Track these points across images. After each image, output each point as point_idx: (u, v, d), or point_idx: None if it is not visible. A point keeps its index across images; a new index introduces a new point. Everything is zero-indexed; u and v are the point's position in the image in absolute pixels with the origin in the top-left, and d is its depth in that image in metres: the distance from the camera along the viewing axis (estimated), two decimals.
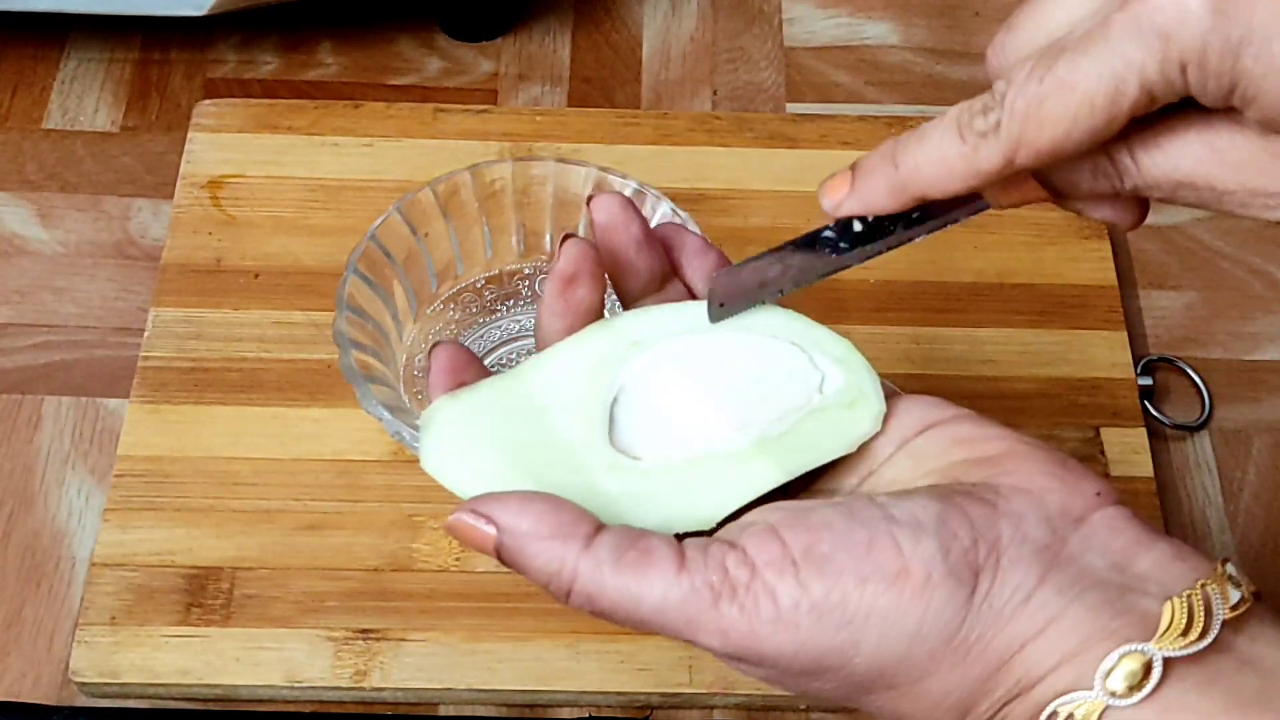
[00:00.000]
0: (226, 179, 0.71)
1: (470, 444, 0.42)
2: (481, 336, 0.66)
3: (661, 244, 0.46)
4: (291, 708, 0.59)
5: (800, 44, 0.81)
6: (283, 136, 0.73)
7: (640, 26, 0.81)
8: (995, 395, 0.66)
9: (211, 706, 0.59)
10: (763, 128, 0.74)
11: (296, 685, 0.58)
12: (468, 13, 0.80)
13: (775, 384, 0.44)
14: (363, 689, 0.59)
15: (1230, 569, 0.38)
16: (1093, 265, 0.71)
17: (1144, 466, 0.65)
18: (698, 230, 0.61)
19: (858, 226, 0.44)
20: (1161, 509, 0.64)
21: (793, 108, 0.78)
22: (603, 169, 0.64)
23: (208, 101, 0.74)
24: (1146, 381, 0.68)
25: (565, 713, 0.60)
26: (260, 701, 0.59)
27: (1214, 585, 0.37)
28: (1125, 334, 0.69)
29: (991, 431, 0.42)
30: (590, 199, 0.45)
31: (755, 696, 0.59)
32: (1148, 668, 0.36)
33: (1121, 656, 0.36)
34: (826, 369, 0.44)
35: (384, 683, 0.59)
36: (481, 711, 0.60)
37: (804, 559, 0.38)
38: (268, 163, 0.72)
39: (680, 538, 0.40)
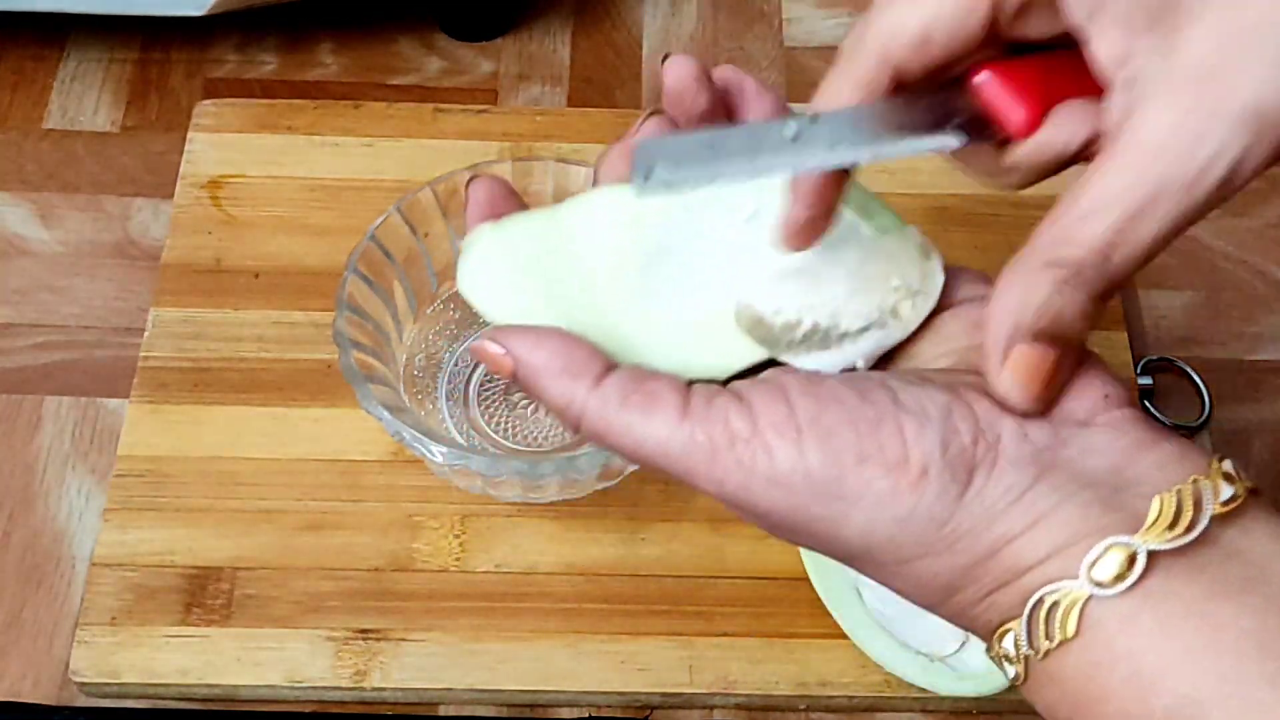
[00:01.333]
0: (226, 179, 0.71)
1: (506, 272, 0.43)
2: (481, 337, 0.66)
3: (723, 90, 0.46)
4: (292, 708, 0.59)
5: (800, 44, 0.81)
6: (283, 136, 0.73)
7: (640, 26, 0.81)
8: None
9: (212, 706, 0.59)
10: None
11: (297, 685, 0.59)
12: (468, 12, 0.80)
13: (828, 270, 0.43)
14: (363, 689, 0.59)
15: (1228, 465, 0.38)
16: None
17: None
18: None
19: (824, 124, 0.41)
20: None
21: (793, 108, 0.78)
22: None
23: (208, 101, 0.74)
24: (1146, 381, 0.68)
25: (565, 713, 0.60)
26: (261, 701, 0.59)
27: (1207, 481, 0.37)
28: (1125, 334, 0.69)
29: None
30: (664, 60, 0.45)
31: (755, 696, 0.59)
32: (1132, 559, 0.36)
33: (1107, 548, 0.36)
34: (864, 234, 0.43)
35: (384, 683, 0.59)
36: (482, 711, 0.60)
37: (809, 427, 0.38)
38: (268, 163, 0.72)
39: (691, 384, 0.41)
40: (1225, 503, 0.37)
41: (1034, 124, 0.42)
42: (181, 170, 0.72)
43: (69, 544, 0.63)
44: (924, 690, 0.58)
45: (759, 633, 0.60)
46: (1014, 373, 0.39)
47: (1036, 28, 0.42)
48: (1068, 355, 0.40)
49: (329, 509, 0.63)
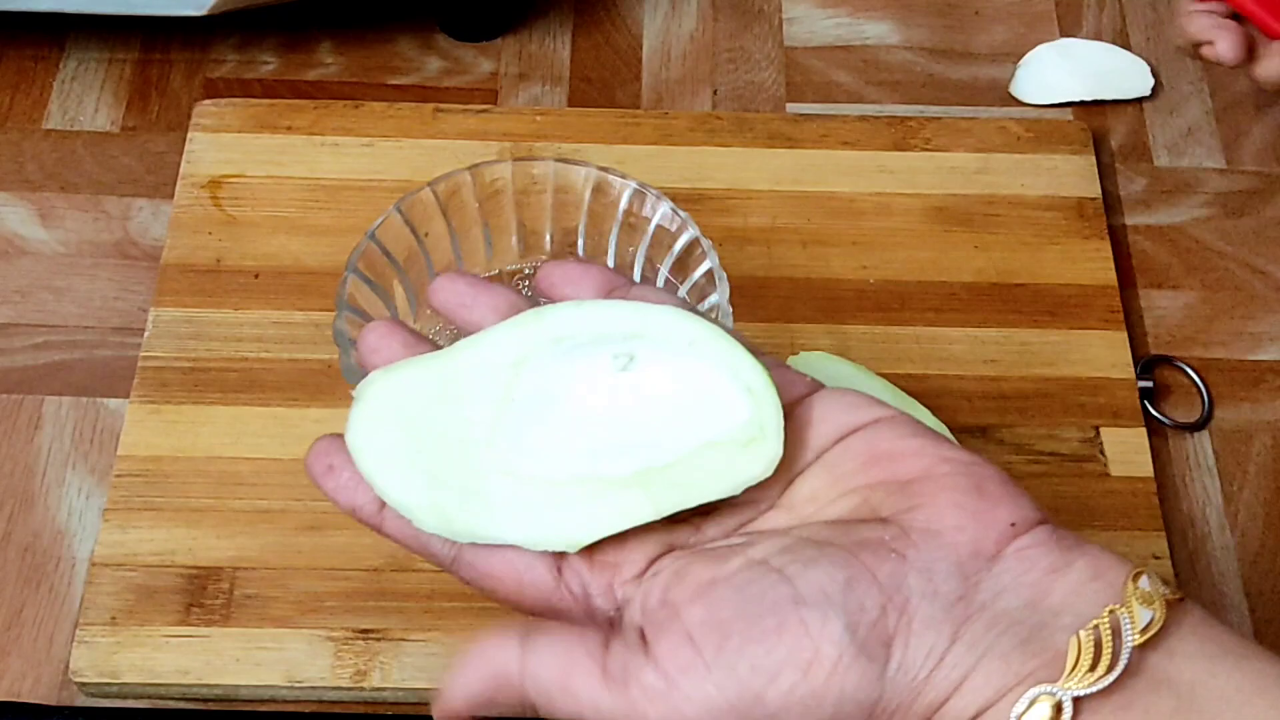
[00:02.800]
0: (226, 179, 0.71)
1: (389, 428, 0.43)
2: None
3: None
4: (291, 708, 0.59)
5: (800, 44, 0.81)
6: (283, 136, 0.73)
7: (640, 26, 0.81)
8: (995, 395, 0.67)
9: (211, 707, 0.59)
10: (763, 128, 0.74)
11: (296, 685, 0.58)
12: (468, 13, 0.80)
13: (682, 408, 0.42)
14: (363, 689, 0.59)
15: (1144, 583, 0.37)
16: (1093, 265, 0.71)
17: (1144, 466, 0.65)
18: (697, 231, 0.61)
19: None
20: (1161, 509, 0.64)
21: (793, 108, 0.78)
22: (603, 169, 0.64)
23: (208, 101, 0.74)
24: (1147, 381, 0.68)
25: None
26: (260, 701, 0.59)
27: (1123, 610, 0.37)
28: (1125, 334, 0.69)
29: (909, 445, 0.41)
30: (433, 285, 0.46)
31: None
32: (1059, 708, 0.36)
33: (1031, 702, 0.36)
34: (734, 398, 0.42)
35: (384, 683, 0.59)
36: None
37: (714, 660, 0.38)
38: (268, 163, 0.72)
39: (561, 555, 0.41)
40: (1145, 629, 0.36)
41: None
42: (181, 170, 0.72)
43: (69, 544, 0.63)
44: None
45: None
46: None
47: None
48: None
49: (329, 509, 0.61)
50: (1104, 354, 0.68)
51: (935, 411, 0.64)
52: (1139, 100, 0.79)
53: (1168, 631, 0.37)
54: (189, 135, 0.73)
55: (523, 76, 0.79)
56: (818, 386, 0.43)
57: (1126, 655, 0.36)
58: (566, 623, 0.41)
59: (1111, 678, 0.36)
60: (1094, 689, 0.36)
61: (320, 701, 0.59)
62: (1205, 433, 0.68)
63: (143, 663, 0.58)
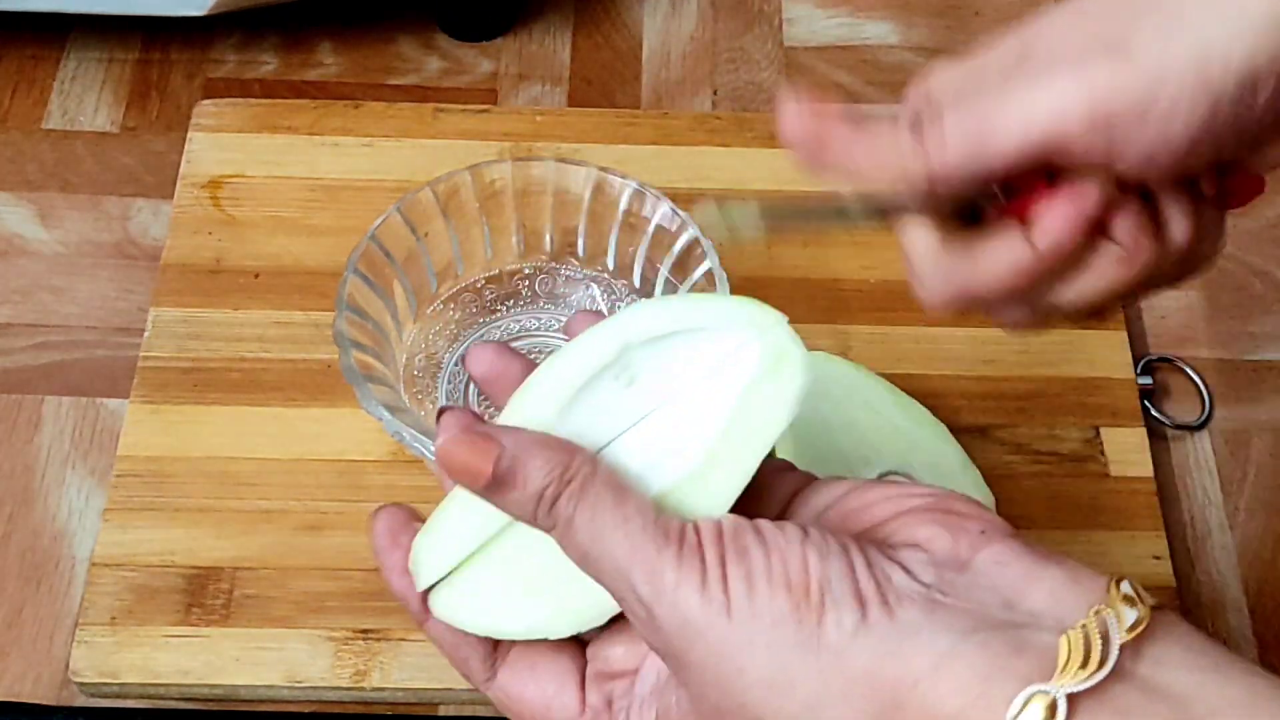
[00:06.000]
0: (226, 179, 0.71)
1: (471, 582, 0.43)
2: (481, 337, 0.66)
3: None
4: (291, 708, 0.59)
5: (800, 44, 0.81)
6: (283, 136, 0.73)
7: (640, 26, 0.81)
8: (995, 395, 0.66)
9: (211, 707, 0.59)
10: (763, 128, 0.74)
11: (297, 685, 0.58)
12: (468, 12, 0.80)
13: (705, 378, 0.42)
14: (363, 689, 0.59)
15: (1126, 587, 0.37)
16: None
17: (1144, 466, 0.65)
18: (698, 230, 0.61)
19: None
20: (1161, 509, 0.64)
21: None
22: (603, 169, 0.64)
23: (208, 101, 0.74)
24: (1146, 381, 0.68)
25: None
26: (260, 702, 0.59)
27: (1109, 610, 0.37)
28: (1125, 334, 0.69)
29: (877, 494, 0.42)
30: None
31: None
32: (1053, 708, 0.35)
33: (1027, 700, 0.35)
34: (738, 343, 0.42)
35: (384, 683, 0.58)
36: (481, 712, 0.59)
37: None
38: (268, 163, 0.72)
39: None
40: (1131, 628, 0.36)
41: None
42: (181, 170, 0.72)
43: (69, 544, 0.63)
44: None
45: None
46: None
47: None
48: None
49: (329, 509, 0.63)
50: (1104, 354, 0.68)
51: (935, 412, 0.64)
52: None
53: (1153, 637, 0.37)
54: (189, 135, 0.73)
55: (523, 76, 0.79)
56: (806, 482, 0.44)
57: (1116, 653, 0.36)
58: None
59: (1103, 674, 0.36)
60: (1087, 685, 0.35)
61: (320, 701, 0.59)
62: (1205, 433, 0.68)
63: (143, 663, 0.58)
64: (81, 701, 0.59)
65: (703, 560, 0.38)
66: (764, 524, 0.39)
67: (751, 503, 0.41)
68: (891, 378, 0.65)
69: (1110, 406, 0.66)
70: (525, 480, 0.40)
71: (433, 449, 0.56)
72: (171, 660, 0.59)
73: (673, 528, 0.39)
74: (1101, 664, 0.36)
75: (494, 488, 0.40)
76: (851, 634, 0.37)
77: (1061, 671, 0.36)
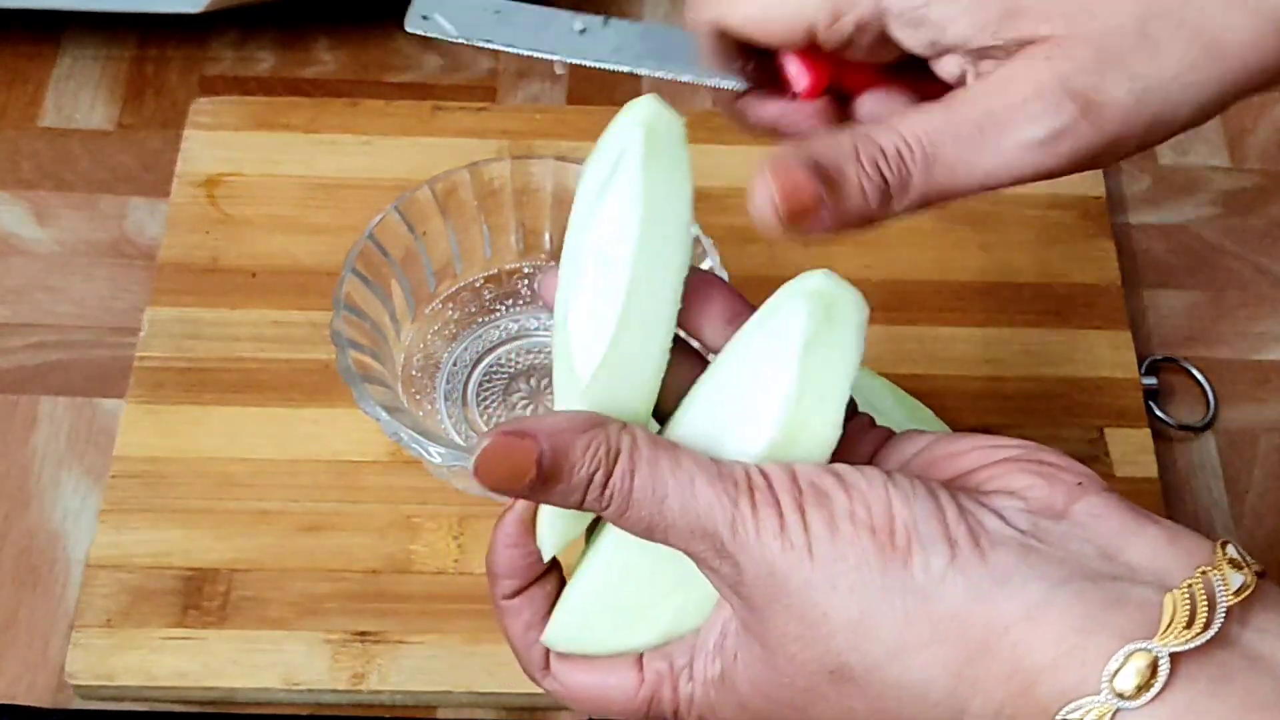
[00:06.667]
0: (223, 177, 0.71)
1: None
2: (480, 336, 0.66)
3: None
4: (289, 710, 0.59)
5: None
6: (280, 134, 0.73)
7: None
8: (999, 395, 0.66)
9: (208, 709, 0.59)
10: None
11: (294, 688, 0.58)
12: None
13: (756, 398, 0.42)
14: (360, 691, 0.58)
15: (1232, 550, 0.37)
16: (1097, 264, 0.70)
17: (1148, 467, 0.64)
18: (698, 229, 0.61)
19: None
20: (1166, 510, 0.63)
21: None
22: None
23: (204, 99, 0.74)
24: (1151, 382, 0.68)
25: (564, 716, 0.59)
26: (257, 704, 0.59)
27: (1215, 571, 0.36)
28: (1129, 334, 0.68)
29: (966, 444, 0.41)
30: None
31: None
32: (1154, 666, 0.35)
33: (1127, 656, 0.35)
34: (784, 293, 0.43)
35: (382, 685, 0.58)
36: (480, 714, 0.59)
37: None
38: (265, 161, 0.72)
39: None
40: (1237, 592, 0.36)
41: (816, 90, 0.47)
42: (178, 169, 0.71)
43: (64, 545, 0.63)
44: None
45: None
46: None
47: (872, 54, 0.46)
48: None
49: (326, 510, 0.62)
50: (1108, 354, 0.68)
51: (938, 412, 0.64)
52: None
53: (1257, 604, 0.36)
54: (185, 133, 0.72)
55: (521, 74, 0.78)
56: (889, 435, 0.44)
57: (1222, 616, 0.35)
58: None
59: (1208, 635, 0.35)
60: (1192, 645, 0.35)
61: (318, 704, 0.59)
62: (1210, 434, 0.67)
63: (139, 665, 0.58)
64: (77, 704, 0.59)
65: (778, 505, 0.38)
66: (842, 468, 0.39)
67: (835, 459, 0.41)
68: (894, 378, 0.65)
69: (1114, 407, 0.66)
70: (571, 468, 0.38)
71: (435, 453, 0.55)
72: (168, 662, 0.58)
73: (739, 475, 0.38)
74: (1206, 626, 0.35)
75: (540, 485, 0.39)
76: (940, 577, 0.37)
77: (1165, 630, 0.35)
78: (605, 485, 0.39)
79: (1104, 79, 0.42)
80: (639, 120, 0.42)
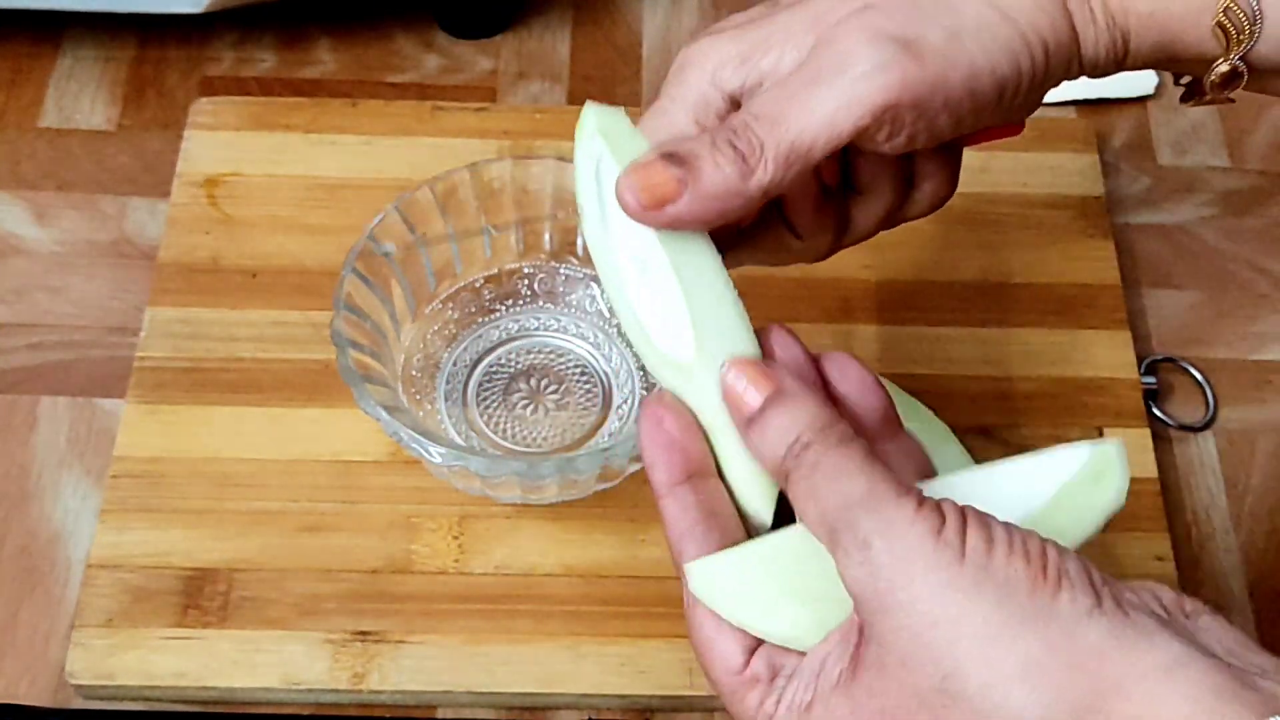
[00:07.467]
0: (223, 177, 0.71)
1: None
2: (480, 337, 0.66)
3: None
4: (289, 710, 0.59)
5: None
6: (280, 135, 0.73)
7: (640, 23, 0.81)
8: (998, 395, 0.66)
9: (208, 709, 0.59)
10: None
11: (294, 687, 0.58)
12: (466, 10, 0.80)
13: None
14: (361, 691, 0.58)
15: None
16: (1096, 264, 0.70)
17: (1148, 467, 0.64)
18: None
19: None
20: (1165, 510, 0.63)
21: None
22: None
23: (204, 99, 0.74)
24: (1150, 382, 0.68)
25: (565, 715, 0.59)
26: (258, 704, 0.59)
27: None
28: (1129, 334, 0.68)
29: None
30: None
31: None
32: None
33: None
34: (1075, 449, 0.45)
35: (382, 685, 0.58)
36: (480, 714, 0.59)
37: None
38: (265, 161, 0.72)
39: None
40: None
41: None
42: (178, 169, 0.71)
43: (65, 545, 0.63)
44: None
45: None
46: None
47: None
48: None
49: (326, 510, 0.62)
50: (1107, 354, 0.68)
51: (938, 412, 0.64)
52: (1143, 99, 0.78)
53: None
54: (185, 133, 0.72)
55: (522, 74, 0.78)
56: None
57: None
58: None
59: None
60: None
61: (318, 704, 0.59)
62: (1209, 434, 0.67)
63: (139, 665, 0.58)
64: (78, 704, 0.59)
65: (942, 514, 0.39)
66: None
67: None
68: (894, 378, 0.65)
69: (1113, 407, 0.66)
70: (793, 419, 0.43)
71: (435, 453, 0.55)
72: (168, 662, 0.58)
73: (915, 489, 0.40)
74: None
75: (761, 417, 0.43)
76: (1086, 614, 0.38)
77: None
78: (805, 450, 0.42)
79: (918, 27, 0.46)
80: (594, 130, 0.48)
